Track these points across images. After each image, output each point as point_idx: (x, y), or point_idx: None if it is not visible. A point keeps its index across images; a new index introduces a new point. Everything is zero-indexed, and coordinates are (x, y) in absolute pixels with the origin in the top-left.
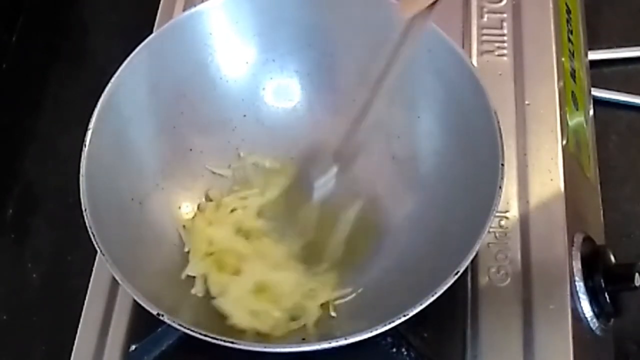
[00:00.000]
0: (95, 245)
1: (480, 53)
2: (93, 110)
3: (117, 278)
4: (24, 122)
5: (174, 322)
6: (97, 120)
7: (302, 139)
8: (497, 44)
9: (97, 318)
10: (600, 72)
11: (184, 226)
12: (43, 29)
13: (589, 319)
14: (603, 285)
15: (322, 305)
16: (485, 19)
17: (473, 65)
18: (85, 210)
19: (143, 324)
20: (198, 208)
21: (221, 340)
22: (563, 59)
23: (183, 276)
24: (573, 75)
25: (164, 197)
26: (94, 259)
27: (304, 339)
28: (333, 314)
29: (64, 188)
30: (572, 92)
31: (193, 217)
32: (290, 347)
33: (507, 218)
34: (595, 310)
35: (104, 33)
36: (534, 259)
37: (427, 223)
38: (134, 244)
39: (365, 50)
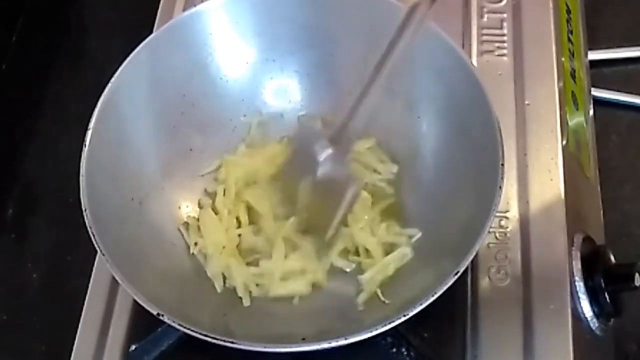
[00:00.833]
0: (95, 245)
1: (480, 53)
2: (93, 110)
3: (117, 278)
4: (24, 122)
5: (174, 321)
6: (97, 120)
7: None
8: (497, 44)
9: (97, 318)
10: (600, 72)
11: (187, 224)
12: (43, 29)
13: (589, 318)
14: (603, 285)
15: None
16: (485, 19)
17: (473, 65)
18: (85, 210)
19: (143, 324)
20: (199, 205)
21: (221, 340)
22: (563, 59)
23: (210, 273)
24: (573, 75)
25: (164, 197)
26: (94, 259)
27: (304, 339)
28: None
29: (64, 188)
30: (572, 92)
31: (197, 216)
32: (290, 347)
33: (507, 218)
34: (595, 310)
35: (104, 33)
36: (534, 259)
37: (427, 223)
38: (133, 243)
39: (365, 50)
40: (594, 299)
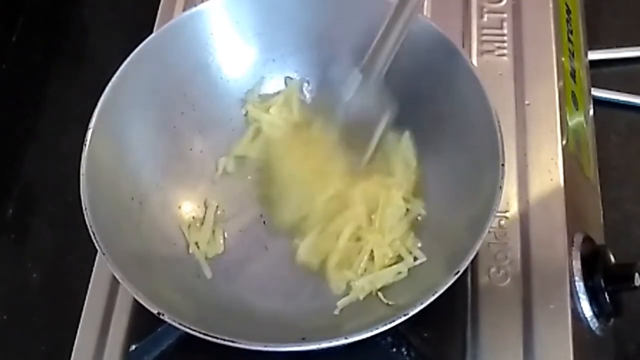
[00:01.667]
0: (96, 244)
1: (480, 53)
2: (93, 110)
3: (117, 277)
4: (24, 122)
5: (174, 321)
6: (97, 119)
7: None
8: (497, 44)
9: (97, 318)
10: (600, 72)
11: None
12: (43, 29)
13: (588, 318)
14: (603, 285)
15: None
16: (485, 19)
17: (473, 65)
18: (86, 209)
19: (143, 324)
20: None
21: (222, 339)
22: (563, 59)
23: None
24: (573, 75)
25: (164, 197)
26: (94, 259)
27: (303, 339)
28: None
29: (64, 188)
30: (572, 92)
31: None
32: (290, 346)
33: (507, 218)
34: (595, 310)
35: (104, 33)
36: (534, 259)
37: (427, 223)
38: (134, 243)
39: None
40: (593, 299)
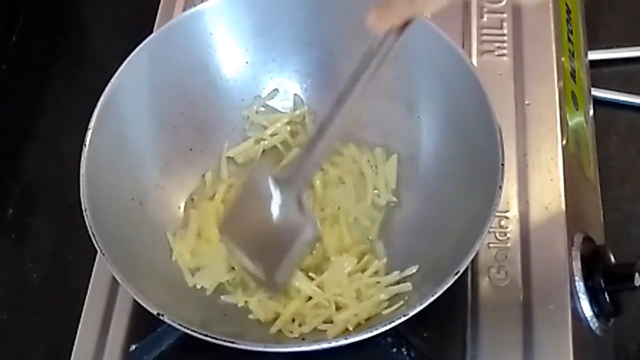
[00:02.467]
0: (96, 245)
1: (480, 53)
2: (93, 110)
3: (117, 278)
4: (24, 122)
5: (174, 321)
6: (97, 120)
7: None
8: (497, 44)
9: (97, 318)
10: (600, 72)
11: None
12: (43, 29)
13: (588, 318)
14: (603, 285)
15: None
16: (485, 19)
17: (473, 65)
18: (85, 210)
19: (143, 324)
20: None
21: (221, 340)
22: (563, 59)
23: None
24: (573, 75)
25: (164, 197)
26: (94, 259)
27: (303, 339)
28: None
29: (64, 188)
30: (572, 92)
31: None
32: (290, 347)
33: (507, 218)
34: (595, 310)
35: (104, 33)
36: (534, 259)
37: (427, 223)
38: (133, 243)
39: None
40: (594, 299)
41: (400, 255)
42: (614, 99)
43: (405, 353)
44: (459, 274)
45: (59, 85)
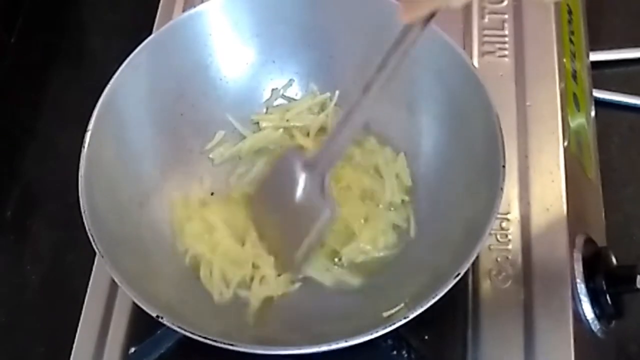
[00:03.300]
0: (94, 247)
1: (482, 54)
2: (93, 110)
3: (116, 280)
4: (24, 122)
5: (173, 324)
6: (96, 121)
7: None
8: (498, 45)
9: (97, 319)
10: (602, 73)
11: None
12: (43, 29)
13: (590, 320)
14: (604, 287)
15: None
16: (486, 20)
17: (474, 66)
18: (85, 211)
19: (142, 326)
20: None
21: (220, 342)
22: (564, 60)
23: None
24: (574, 76)
25: (164, 198)
26: (94, 259)
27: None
28: None
29: (64, 188)
30: (574, 93)
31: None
32: (290, 349)
33: (508, 220)
34: (597, 312)
35: (104, 33)
36: (535, 261)
37: (428, 225)
38: (133, 245)
39: (364, 50)
40: (595, 301)
41: (401, 256)
42: (615, 100)
43: (405, 355)
44: (459, 276)
45: (59, 85)
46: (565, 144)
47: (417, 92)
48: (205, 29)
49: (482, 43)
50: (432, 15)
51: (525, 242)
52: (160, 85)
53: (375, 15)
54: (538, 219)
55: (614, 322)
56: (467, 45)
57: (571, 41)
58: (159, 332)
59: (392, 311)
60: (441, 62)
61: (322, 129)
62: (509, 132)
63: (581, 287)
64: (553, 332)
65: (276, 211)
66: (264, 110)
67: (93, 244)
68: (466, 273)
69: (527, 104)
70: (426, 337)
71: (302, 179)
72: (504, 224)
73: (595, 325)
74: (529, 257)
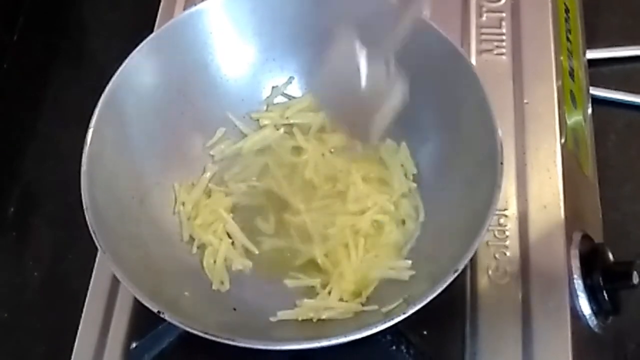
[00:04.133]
0: (96, 243)
1: (479, 52)
2: (93, 109)
3: (117, 276)
4: (24, 122)
5: (174, 319)
6: (98, 119)
7: None
8: (495, 43)
9: (98, 316)
10: (599, 71)
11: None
12: (43, 29)
13: (587, 317)
14: (602, 283)
15: None
16: (484, 18)
17: (472, 64)
18: (87, 208)
19: (144, 322)
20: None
21: (221, 337)
22: (561, 58)
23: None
24: (571, 74)
25: (164, 196)
26: (95, 258)
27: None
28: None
29: (64, 188)
30: (571, 91)
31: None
32: (290, 345)
33: (506, 216)
34: (594, 308)
35: (104, 33)
36: (533, 257)
37: (426, 221)
38: (134, 242)
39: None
40: (592, 297)
41: None
42: (612, 98)
43: (404, 351)
44: (458, 272)
45: (59, 85)
46: (563, 141)
47: (415, 90)
48: (206, 28)
49: (479, 41)
50: None
51: (523, 239)
52: (161, 84)
53: (374, 14)
54: (535, 216)
55: (611, 318)
56: (464, 44)
57: (568, 39)
58: (160, 327)
59: (391, 307)
60: (439, 60)
61: (322, 127)
62: (507, 129)
63: (578, 284)
64: (550, 327)
65: (341, 94)
66: (264, 107)
67: (95, 240)
68: (464, 269)
69: (525, 101)
70: (425, 333)
71: (363, 58)
72: (501, 221)
73: (592, 321)
74: (527, 253)
